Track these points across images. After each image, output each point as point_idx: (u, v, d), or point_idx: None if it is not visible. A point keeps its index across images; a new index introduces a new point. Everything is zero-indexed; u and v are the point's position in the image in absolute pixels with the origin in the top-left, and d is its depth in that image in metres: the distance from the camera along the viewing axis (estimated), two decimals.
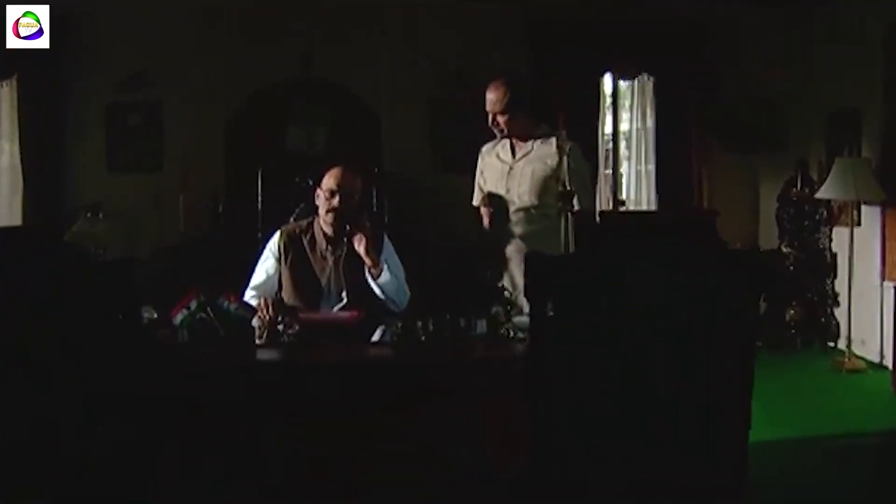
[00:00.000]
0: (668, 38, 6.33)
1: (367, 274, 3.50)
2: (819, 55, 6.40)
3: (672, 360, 1.85)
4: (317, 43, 6.18)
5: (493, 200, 3.74)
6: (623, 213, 4.67)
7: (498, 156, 3.78)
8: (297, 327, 3.04)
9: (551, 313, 1.90)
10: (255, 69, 6.16)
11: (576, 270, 1.86)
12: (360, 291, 3.52)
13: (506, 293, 3.14)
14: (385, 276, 3.49)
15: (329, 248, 3.58)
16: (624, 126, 6.95)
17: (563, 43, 6.28)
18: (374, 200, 4.02)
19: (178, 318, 2.86)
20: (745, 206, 6.59)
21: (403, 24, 6.32)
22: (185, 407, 2.57)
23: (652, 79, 6.48)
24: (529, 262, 1.89)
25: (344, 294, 3.54)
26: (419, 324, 2.98)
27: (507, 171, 3.71)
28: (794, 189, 6.43)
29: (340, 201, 3.48)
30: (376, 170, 4.27)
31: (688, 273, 1.79)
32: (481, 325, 3.03)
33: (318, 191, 3.57)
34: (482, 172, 3.85)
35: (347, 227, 3.50)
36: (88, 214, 5.58)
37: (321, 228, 3.59)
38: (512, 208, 3.67)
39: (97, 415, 2.03)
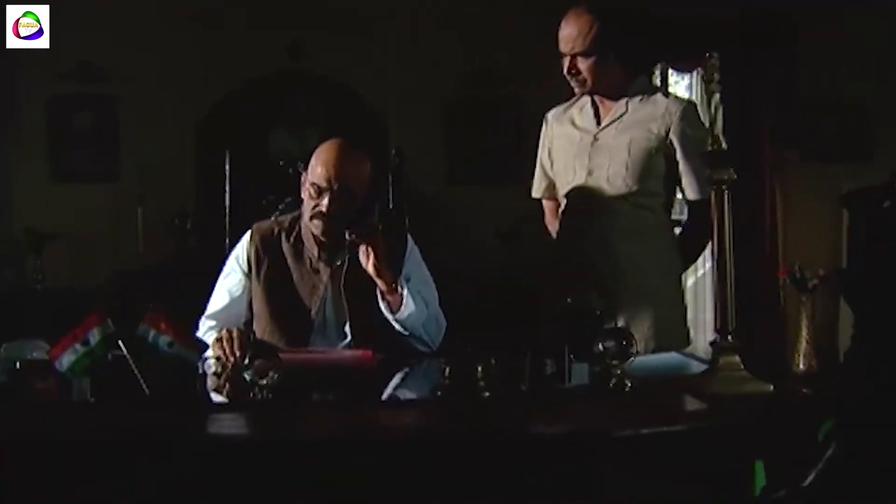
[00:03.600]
0: (735, 28, 5.30)
1: (380, 302, 2.35)
2: None
3: None
4: (309, 29, 5.33)
5: (567, 189, 2.60)
6: None
7: (573, 122, 2.64)
8: (275, 376, 1.85)
9: None
10: (235, 60, 5.28)
11: None
12: (372, 321, 2.36)
13: (610, 320, 1.97)
14: (408, 307, 2.34)
15: (323, 256, 2.43)
16: None
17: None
18: (391, 192, 2.83)
19: (66, 360, 1.66)
20: (826, 223, 5.53)
21: (416, 9, 5.46)
22: None
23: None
24: None
25: (347, 326, 2.39)
26: (479, 368, 1.79)
27: (589, 143, 2.57)
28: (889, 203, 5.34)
29: (333, 203, 2.33)
30: (394, 151, 3.08)
31: None
32: (580, 371, 1.85)
33: (305, 178, 2.42)
34: (548, 148, 2.71)
35: (349, 235, 2.34)
36: None
37: (310, 231, 2.43)
38: (598, 198, 2.53)
39: None
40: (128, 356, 1.68)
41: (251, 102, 5.34)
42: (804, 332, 3.96)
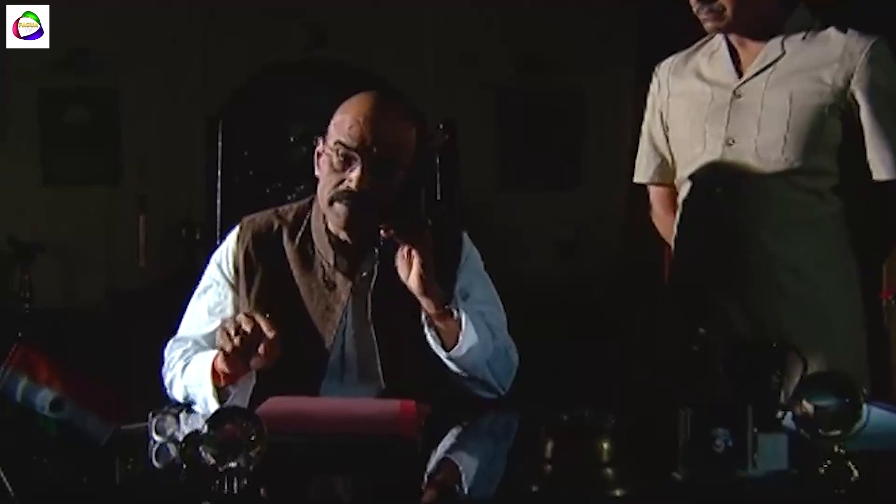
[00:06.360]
0: None
1: (426, 330, 1.64)
2: None
3: None
4: (333, 12, 5.07)
5: (693, 168, 1.92)
6: None
7: (700, 74, 1.95)
8: (253, 452, 1.11)
9: None
10: (250, 48, 5.06)
11: None
12: (415, 359, 1.65)
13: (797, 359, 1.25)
14: (469, 338, 1.63)
15: (342, 263, 1.72)
16: None
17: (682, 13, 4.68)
18: (439, 178, 2.12)
19: None
20: None
21: None
22: None
23: None
24: None
25: (379, 367, 1.69)
26: (605, 445, 1.05)
27: (726, 101, 1.88)
28: None
29: (366, 176, 1.63)
30: (441, 126, 2.37)
31: None
32: (774, 447, 1.10)
33: (323, 147, 1.71)
34: (660, 113, 2.03)
35: (384, 232, 1.62)
36: None
37: (323, 226, 1.73)
38: (741, 178, 1.85)
39: None
40: None
41: (269, 95, 5.06)
42: None
